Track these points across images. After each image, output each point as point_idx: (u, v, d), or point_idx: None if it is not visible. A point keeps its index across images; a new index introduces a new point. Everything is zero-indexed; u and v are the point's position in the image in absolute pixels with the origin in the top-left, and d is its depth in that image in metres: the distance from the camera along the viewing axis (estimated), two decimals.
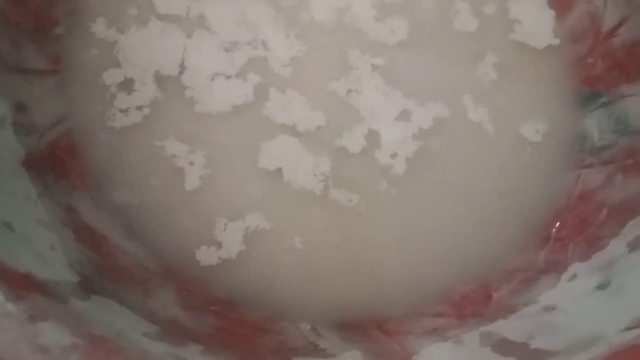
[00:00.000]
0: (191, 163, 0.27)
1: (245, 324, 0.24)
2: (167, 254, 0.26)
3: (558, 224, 0.28)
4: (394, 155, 0.27)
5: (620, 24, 0.30)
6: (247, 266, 0.26)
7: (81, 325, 0.17)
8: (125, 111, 0.27)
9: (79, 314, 0.18)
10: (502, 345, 0.23)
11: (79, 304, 0.19)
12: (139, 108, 0.27)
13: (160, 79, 0.28)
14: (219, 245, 0.26)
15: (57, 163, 0.26)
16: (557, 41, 0.31)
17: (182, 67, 0.28)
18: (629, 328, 0.20)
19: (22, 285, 0.18)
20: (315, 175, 0.27)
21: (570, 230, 0.28)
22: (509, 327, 0.24)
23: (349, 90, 0.28)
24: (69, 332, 0.16)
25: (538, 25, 0.31)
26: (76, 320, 0.17)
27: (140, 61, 0.28)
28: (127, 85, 0.28)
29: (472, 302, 0.26)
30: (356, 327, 0.25)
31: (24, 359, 0.15)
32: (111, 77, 0.28)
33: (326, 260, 0.26)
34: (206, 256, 0.25)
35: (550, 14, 0.32)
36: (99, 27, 0.29)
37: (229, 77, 0.28)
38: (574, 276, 0.26)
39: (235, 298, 0.25)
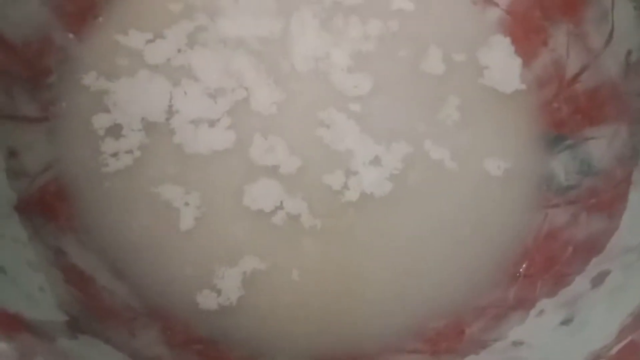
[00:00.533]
0: (186, 204, 0.28)
1: None
2: (153, 294, 0.27)
3: (527, 262, 0.29)
4: (369, 195, 0.29)
5: (581, 71, 0.32)
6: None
7: None
8: (114, 155, 0.29)
9: (66, 352, 0.19)
10: None
11: (66, 342, 0.20)
12: (128, 152, 0.29)
13: (147, 125, 0.29)
14: (218, 291, 0.27)
15: (47, 207, 0.27)
16: (523, 86, 0.33)
17: (169, 113, 0.30)
18: None
19: (12, 325, 0.18)
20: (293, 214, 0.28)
21: (538, 267, 0.29)
22: None
23: (326, 136, 0.30)
24: None
25: (505, 72, 0.33)
26: (63, 358, 0.18)
27: (129, 108, 0.29)
28: (116, 130, 0.29)
29: (446, 338, 0.27)
30: None
31: None
32: (100, 122, 0.29)
33: (299, 295, 0.27)
34: (206, 300, 0.26)
35: (517, 62, 0.33)
36: (90, 77, 0.30)
37: (213, 122, 0.29)
38: (541, 312, 0.27)
39: (216, 337, 0.26)
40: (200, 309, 0.26)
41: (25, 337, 0.18)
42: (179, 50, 0.31)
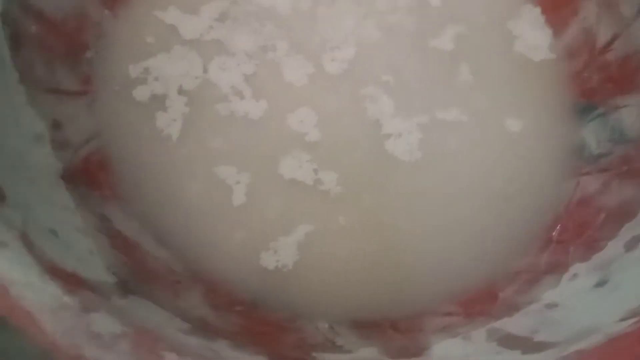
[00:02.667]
0: (237, 182, 0.29)
1: (267, 323, 0.26)
2: (196, 259, 0.28)
3: (559, 227, 0.30)
4: (400, 161, 0.29)
5: (613, 40, 0.32)
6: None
7: (126, 318, 0.19)
8: (155, 126, 0.29)
9: (121, 308, 0.20)
10: (507, 339, 0.25)
11: (119, 301, 0.21)
12: (169, 124, 0.29)
13: (185, 96, 0.30)
14: (260, 257, 0.28)
15: (90, 176, 0.28)
16: (553, 56, 0.33)
17: (206, 86, 0.30)
18: (623, 319, 0.21)
19: (72, 281, 0.19)
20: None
21: (571, 233, 0.29)
22: (513, 324, 0.26)
23: (357, 107, 0.31)
24: (117, 322, 0.18)
25: (536, 42, 0.33)
26: (122, 313, 0.19)
27: (166, 81, 0.30)
28: (155, 103, 0.30)
29: (480, 302, 0.28)
30: (371, 325, 0.27)
31: (79, 344, 0.17)
32: (140, 95, 0.30)
33: (339, 260, 0.28)
34: (249, 264, 0.27)
35: (547, 32, 0.34)
36: (126, 51, 0.31)
37: (247, 93, 0.30)
38: (575, 276, 0.27)
39: (257, 299, 0.27)
40: (244, 273, 0.27)
41: (85, 294, 0.19)
42: (211, 27, 0.32)
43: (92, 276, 0.21)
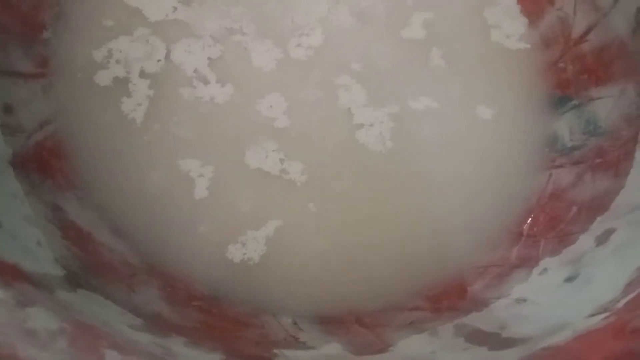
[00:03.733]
0: (197, 170, 0.28)
1: (228, 318, 0.25)
2: (153, 252, 0.26)
3: (530, 220, 0.29)
4: (370, 152, 0.28)
5: (588, 31, 0.31)
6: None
7: (67, 313, 0.17)
8: (114, 111, 0.28)
9: (65, 303, 0.19)
10: (475, 335, 0.24)
11: (65, 295, 0.20)
12: (131, 109, 0.28)
13: (148, 80, 0.29)
14: (224, 250, 0.27)
15: (43, 163, 0.27)
16: (527, 46, 0.32)
17: (170, 69, 0.29)
18: (593, 314, 0.21)
19: (10, 274, 0.18)
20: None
21: (542, 227, 0.29)
22: (482, 319, 0.25)
23: (325, 94, 0.30)
24: (56, 318, 0.17)
25: (511, 32, 0.33)
26: (63, 308, 0.18)
27: (128, 64, 0.29)
28: (115, 87, 0.28)
29: (448, 297, 0.27)
30: (335, 321, 0.26)
31: (12, 343, 0.16)
32: (99, 78, 0.28)
33: (305, 253, 0.27)
34: (212, 258, 0.26)
35: (522, 21, 0.33)
36: (86, 33, 0.29)
37: (212, 78, 0.29)
38: (545, 270, 0.27)
39: (217, 294, 0.26)
40: (207, 267, 0.26)
41: (24, 287, 0.18)
42: (176, 8, 0.30)
43: (36, 269, 0.20)
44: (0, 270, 0.18)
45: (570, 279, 0.25)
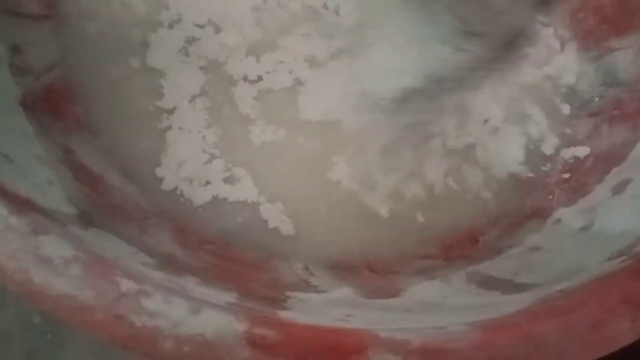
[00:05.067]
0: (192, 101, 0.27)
1: (240, 262, 0.25)
2: (163, 196, 0.26)
3: (545, 171, 0.29)
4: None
5: None
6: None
7: (81, 244, 0.17)
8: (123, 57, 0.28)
9: (78, 237, 0.19)
10: (487, 282, 0.24)
11: (77, 230, 0.20)
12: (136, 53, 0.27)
13: (152, 24, 0.28)
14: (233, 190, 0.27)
15: (53, 105, 0.26)
16: None
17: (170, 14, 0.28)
18: (610, 259, 0.21)
19: (23, 204, 0.18)
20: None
21: (557, 177, 0.29)
22: (494, 267, 0.25)
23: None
24: (70, 246, 0.16)
25: None
26: (77, 238, 0.18)
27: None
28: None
29: (460, 246, 0.27)
30: (346, 266, 0.26)
31: (26, 268, 0.16)
32: (107, 25, 0.28)
33: (318, 201, 0.27)
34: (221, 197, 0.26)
35: None
36: None
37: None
38: (559, 220, 0.26)
39: (229, 238, 0.26)
40: (216, 209, 0.26)
41: (37, 217, 0.18)
42: None
43: (49, 204, 0.20)
44: (12, 200, 0.17)
45: (585, 228, 0.25)
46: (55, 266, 0.16)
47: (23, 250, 0.16)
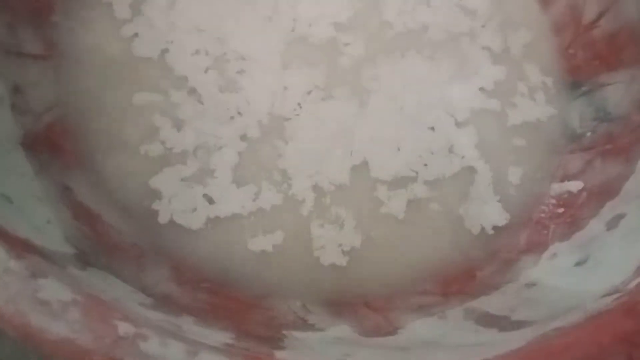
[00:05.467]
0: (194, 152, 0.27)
1: (236, 300, 0.25)
2: (159, 231, 0.26)
3: (539, 206, 0.29)
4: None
5: (599, 16, 0.31)
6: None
7: (79, 286, 0.17)
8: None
9: (77, 278, 0.19)
10: (484, 318, 0.24)
11: (76, 271, 0.20)
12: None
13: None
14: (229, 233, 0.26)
15: (53, 144, 0.27)
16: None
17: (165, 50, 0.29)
18: (605, 295, 0.21)
19: (22, 246, 0.18)
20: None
21: (552, 212, 0.29)
22: (491, 303, 0.25)
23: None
24: (68, 289, 0.17)
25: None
26: (75, 281, 0.18)
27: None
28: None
29: (457, 281, 0.27)
30: (344, 304, 0.26)
31: (25, 312, 0.16)
32: (106, 64, 0.28)
33: (314, 239, 0.27)
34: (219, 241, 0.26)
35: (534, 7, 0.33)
36: (95, 14, 0.29)
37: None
38: (554, 255, 0.27)
39: (226, 277, 0.26)
40: (211, 250, 0.26)
41: (36, 259, 0.18)
42: None
43: (47, 245, 0.20)
44: (12, 243, 0.17)
45: (580, 263, 0.25)
46: (53, 310, 0.16)
47: (21, 294, 0.16)
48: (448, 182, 0.28)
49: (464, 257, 0.28)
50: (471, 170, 0.29)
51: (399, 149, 0.28)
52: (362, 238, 0.27)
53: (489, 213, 0.28)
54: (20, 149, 0.25)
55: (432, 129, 0.29)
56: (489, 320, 0.24)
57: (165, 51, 0.29)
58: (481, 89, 0.30)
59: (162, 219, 0.26)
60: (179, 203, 0.27)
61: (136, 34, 0.29)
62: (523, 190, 0.29)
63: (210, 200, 0.27)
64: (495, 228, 0.28)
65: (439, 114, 0.29)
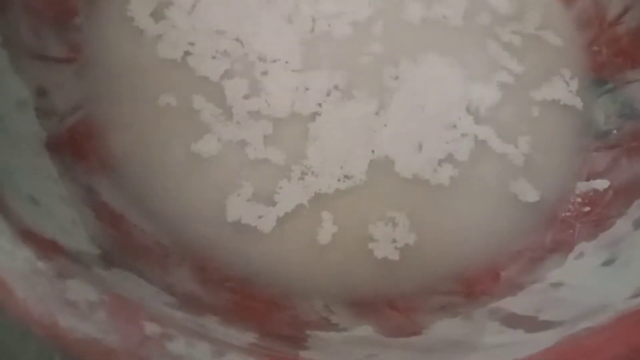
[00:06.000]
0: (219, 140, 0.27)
1: (260, 299, 0.25)
2: (184, 234, 0.26)
3: (565, 204, 0.29)
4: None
5: (624, 12, 0.31)
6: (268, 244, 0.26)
7: (105, 286, 0.17)
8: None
9: (102, 279, 0.19)
10: (510, 319, 0.24)
11: (101, 272, 0.20)
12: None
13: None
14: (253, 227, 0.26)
15: (77, 146, 0.27)
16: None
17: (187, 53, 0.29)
18: (634, 296, 0.20)
19: (49, 248, 0.18)
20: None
21: (577, 211, 0.28)
22: (517, 303, 0.25)
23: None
24: (95, 290, 0.17)
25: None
26: (101, 281, 0.18)
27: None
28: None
29: (481, 281, 0.27)
30: (367, 304, 0.26)
31: (53, 312, 0.16)
32: (131, 66, 0.29)
33: (336, 237, 0.27)
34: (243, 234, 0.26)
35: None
36: (117, 18, 0.30)
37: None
38: (581, 254, 0.26)
39: (249, 275, 0.26)
40: (236, 246, 0.26)
41: (62, 260, 0.18)
42: None
43: (73, 245, 0.20)
44: (40, 244, 0.18)
45: (607, 263, 0.25)
46: (81, 310, 0.16)
47: (50, 294, 0.16)
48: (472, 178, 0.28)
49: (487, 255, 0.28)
50: (493, 166, 0.28)
51: (420, 147, 0.28)
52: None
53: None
54: (45, 151, 0.25)
55: (454, 126, 0.29)
56: (515, 321, 0.23)
57: (187, 53, 0.29)
58: (502, 85, 0.30)
59: (187, 221, 0.26)
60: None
61: (159, 36, 0.29)
62: (548, 187, 0.29)
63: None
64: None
65: (460, 112, 0.29)
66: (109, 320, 0.16)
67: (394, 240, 0.27)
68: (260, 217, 0.26)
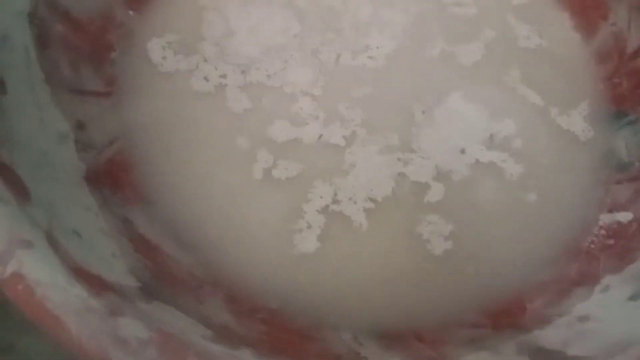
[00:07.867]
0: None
1: (290, 331, 0.26)
2: (216, 264, 0.27)
3: (589, 237, 0.29)
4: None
5: None
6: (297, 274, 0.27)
7: (152, 322, 0.18)
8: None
9: (147, 313, 0.19)
10: (539, 353, 0.24)
11: (144, 306, 0.20)
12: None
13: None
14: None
15: (114, 178, 0.28)
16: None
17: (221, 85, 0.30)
18: None
19: (97, 284, 0.19)
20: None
21: (601, 243, 0.29)
22: (544, 337, 0.25)
23: None
24: (145, 327, 0.17)
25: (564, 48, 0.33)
26: (147, 316, 0.19)
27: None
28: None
29: (508, 314, 0.27)
30: (394, 336, 0.26)
31: (106, 349, 0.16)
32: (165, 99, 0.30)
33: (365, 269, 0.27)
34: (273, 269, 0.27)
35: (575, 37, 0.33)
36: (151, 52, 0.31)
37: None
38: (607, 287, 0.26)
39: (279, 306, 0.27)
40: (266, 278, 0.27)
41: (111, 297, 0.19)
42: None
43: (115, 279, 0.21)
44: (88, 280, 0.18)
45: (634, 297, 0.25)
46: (132, 348, 0.17)
47: (102, 332, 0.17)
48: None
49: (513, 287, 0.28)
50: (513, 196, 0.29)
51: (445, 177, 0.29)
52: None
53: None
54: (85, 183, 0.26)
55: (477, 161, 0.29)
56: (543, 355, 0.24)
57: (223, 86, 0.30)
58: (522, 117, 0.30)
59: (219, 251, 0.27)
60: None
61: (191, 71, 0.30)
62: (572, 220, 0.30)
63: None
64: None
65: (482, 148, 0.30)
66: (159, 358, 0.17)
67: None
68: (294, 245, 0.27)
